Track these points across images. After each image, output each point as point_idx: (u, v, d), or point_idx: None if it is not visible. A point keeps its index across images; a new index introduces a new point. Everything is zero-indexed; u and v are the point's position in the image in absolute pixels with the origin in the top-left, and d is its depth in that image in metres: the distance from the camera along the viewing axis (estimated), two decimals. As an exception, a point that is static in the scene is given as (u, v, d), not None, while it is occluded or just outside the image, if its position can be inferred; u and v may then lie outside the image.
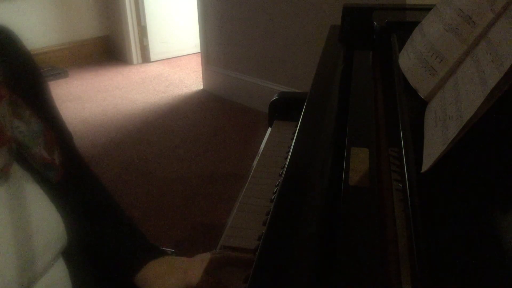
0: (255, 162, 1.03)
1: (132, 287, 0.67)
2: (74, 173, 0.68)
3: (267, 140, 1.14)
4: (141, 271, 0.67)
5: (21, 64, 0.63)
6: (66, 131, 0.68)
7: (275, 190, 0.89)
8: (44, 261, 0.59)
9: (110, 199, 0.77)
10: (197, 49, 3.71)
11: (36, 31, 3.62)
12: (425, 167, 0.50)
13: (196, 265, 0.68)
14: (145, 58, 4.15)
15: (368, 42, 1.05)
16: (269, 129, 1.21)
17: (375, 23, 1.04)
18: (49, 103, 0.67)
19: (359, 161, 0.60)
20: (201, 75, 3.54)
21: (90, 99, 3.34)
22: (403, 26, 0.90)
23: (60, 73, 3.70)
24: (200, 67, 3.53)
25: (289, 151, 0.97)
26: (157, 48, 4.15)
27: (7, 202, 0.55)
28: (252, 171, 0.99)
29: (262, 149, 1.09)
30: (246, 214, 0.83)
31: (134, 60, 4.11)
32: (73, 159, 0.70)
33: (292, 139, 0.88)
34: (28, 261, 0.56)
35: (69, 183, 0.65)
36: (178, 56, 4.26)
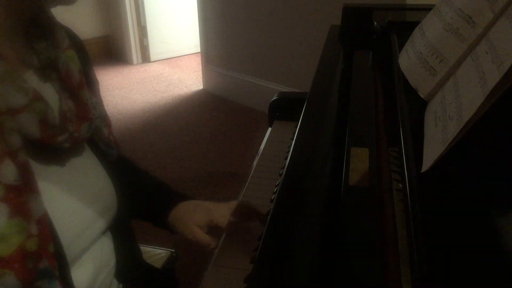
0: (255, 162, 1.04)
1: (167, 226, 0.82)
2: (120, 153, 0.80)
3: (267, 140, 1.15)
4: (173, 210, 0.81)
5: (85, 59, 0.72)
6: (109, 120, 0.77)
7: (275, 190, 0.89)
8: (102, 224, 0.70)
9: (143, 171, 0.91)
10: (197, 49, 3.71)
11: (36, 31, 3.61)
12: (425, 167, 0.50)
13: (219, 206, 0.81)
14: (145, 58, 4.15)
15: (368, 42, 1.05)
16: (269, 129, 1.21)
17: (375, 23, 1.04)
18: (100, 94, 0.77)
19: (359, 161, 0.60)
20: (201, 75, 3.54)
21: (90, 99, 3.34)
22: (403, 26, 0.90)
23: (60, 73, 3.69)
24: (200, 67, 3.53)
25: (289, 151, 0.97)
26: (157, 48, 4.15)
27: (81, 168, 0.67)
28: (252, 171, 1.00)
29: (262, 149, 1.10)
30: (246, 214, 0.83)
31: (134, 60, 4.11)
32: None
33: (292, 139, 0.88)
34: (92, 219, 0.67)
35: (120, 162, 0.78)
36: (178, 56, 4.26)
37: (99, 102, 0.72)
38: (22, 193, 0.52)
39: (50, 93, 0.60)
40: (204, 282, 0.69)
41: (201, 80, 3.54)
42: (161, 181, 0.90)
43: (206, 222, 0.79)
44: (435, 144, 0.50)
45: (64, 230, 0.59)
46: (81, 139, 0.64)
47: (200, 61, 3.51)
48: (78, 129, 0.62)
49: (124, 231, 0.78)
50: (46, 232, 0.55)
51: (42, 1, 0.60)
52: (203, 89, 3.50)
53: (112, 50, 4.24)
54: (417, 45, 0.74)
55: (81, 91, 0.64)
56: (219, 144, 2.70)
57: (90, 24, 4.07)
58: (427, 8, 0.82)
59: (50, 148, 0.59)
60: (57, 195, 0.61)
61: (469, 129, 0.47)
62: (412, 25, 0.81)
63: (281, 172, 0.96)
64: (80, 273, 0.66)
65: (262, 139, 1.16)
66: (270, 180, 0.94)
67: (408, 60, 0.74)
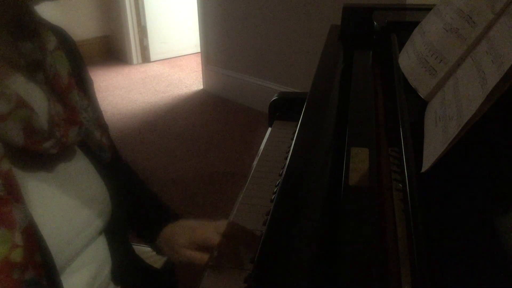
0: (255, 162, 1.03)
1: (156, 246, 0.83)
2: (114, 156, 0.79)
3: (267, 140, 1.15)
4: (161, 233, 0.81)
5: (76, 60, 0.71)
6: (104, 121, 0.75)
7: (275, 190, 0.89)
8: (95, 228, 0.69)
9: (140, 180, 0.91)
10: (197, 49, 3.71)
11: (36, 31, 3.61)
12: (425, 167, 0.50)
13: (205, 225, 0.79)
14: (145, 58, 4.15)
15: (368, 42, 1.05)
16: (269, 129, 1.21)
17: (375, 23, 1.04)
18: (94, 94, 0.75)
19: (359, 161, 0.60)
20: (201, 75, 3.54)
21: (90, 99, 3.34)
22: (403, 26, 0.90)
23: (60, 73, 3.69)
24: (200, 67, 3.53)
25: (289, 151, 0.97)
26: (157, 48, 4.15)
27: (72, 173, 0.65)
28: (252, 171, 1.00)
29: (262, 149, 1.10)
30: (246, 214, 0.83)
31: (134, 60, 4.11)
32: (112, 145, 0.79)
33: (292, 139, 0.89)
34: (84, 224, 0.66)
35: (114, 165, 0.76)
36: (178, 56, 4.26)
37: (93, 104, 0.70)
38: (6, 203, 0.51)
39: (38, 96, 0.59)
40: (204, 282, 0.69)
41: (201, 80, 3.55)
42: (155, 195, 0.90)
43: (192, 244, 0.76)
44: (435, 144, 0.50)
45: (53, 238, 0.58)
46: (69, 144, 0.61)
47: (200, 61, 3.51)
48: (66, 134, 0.60)
49: (119, 234, 0.76)
50: (32, 242, 0.53)
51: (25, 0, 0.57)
52: (203, 89, 3.50)
53: (112, 50, 4.24)
54: (417, 45, 0.74)
55: (69, 93, 0.62)
56: (219, 144, 2.70)
57: (90, 24, 4.07)
58: (427, 8, 0.82)
59: (36, 155, 0.58)
60: (45, 202, 0.60)
61: (469, 129, 0.47)
62: (412, 25, 0.81)
63: (281, 172, 0.96)
64: (75, 281, 0.65)
65: (262, 139, 1.15)
66: (270, 180, 0.94)
67: (408, 60, 0.74)
